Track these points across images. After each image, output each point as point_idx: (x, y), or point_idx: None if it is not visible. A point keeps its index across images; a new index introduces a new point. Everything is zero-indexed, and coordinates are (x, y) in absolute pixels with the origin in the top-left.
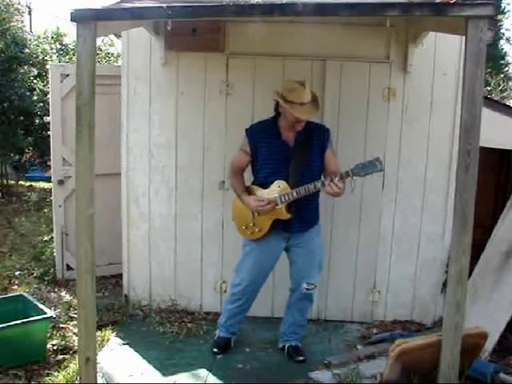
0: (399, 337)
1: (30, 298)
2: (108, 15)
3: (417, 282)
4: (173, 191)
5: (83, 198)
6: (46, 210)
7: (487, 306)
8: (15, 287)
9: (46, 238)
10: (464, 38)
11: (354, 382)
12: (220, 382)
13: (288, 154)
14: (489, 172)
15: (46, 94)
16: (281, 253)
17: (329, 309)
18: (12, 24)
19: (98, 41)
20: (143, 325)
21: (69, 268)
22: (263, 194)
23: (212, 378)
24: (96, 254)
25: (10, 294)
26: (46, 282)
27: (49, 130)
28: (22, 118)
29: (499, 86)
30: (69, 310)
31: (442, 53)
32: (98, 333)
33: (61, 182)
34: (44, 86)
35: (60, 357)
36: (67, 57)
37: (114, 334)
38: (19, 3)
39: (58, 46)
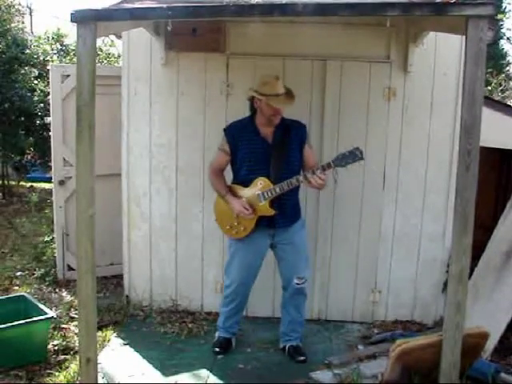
0: (400, 337)
1: (31, 298)
2: (108, 16)
3: (417, 282)
4: (173, 191)
5: (84, 199)
6: (46, 211)
7: (488, 305)
8: (16, 288)
9: (46, 239)
10: (464, 37)
11: (354, 382)
12: (221, 382)
13: (267, 151)
14: (489, 172)
15: (46, 94)
16: (267, 250)
17: (330, 309)
18: (13, 25)
19: (99, 41)
20: (144, 325)
21: (70, 268)
22: (246, 192)
23: (213, 378)
24: (97, 255)
25: (11, 295)
26: (46, 283)
27: (49, 131)
28: (22, 118)
29: (500, 85)
30: (70, 310)
31: (442, 53)
32: (99, 333)
33: (61, 183)
34: (45, 86)
35: (61, 357)
36: (68, 57)
37: (115, 334)
38: (20, 4)
39: (59, 47)
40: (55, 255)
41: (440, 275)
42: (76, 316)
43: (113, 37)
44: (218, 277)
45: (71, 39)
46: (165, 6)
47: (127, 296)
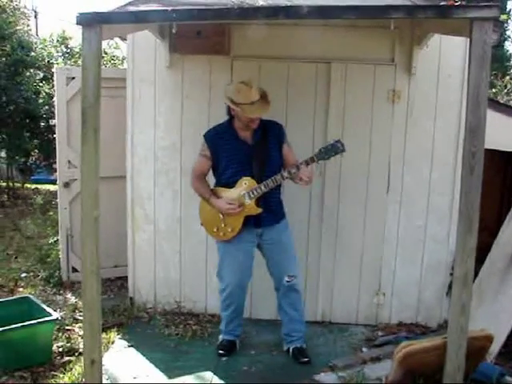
0: (404, 339)
1: (36, 300)
2: (113, 19)
3: (422, 284)
4: (178, 193)
5: (88, 201)
6: (51, 213)
7: (493, 308)
8: (21, 289)
9: (51, 241)
10: (469, 39)
11: None
12: None
13: (248, 152)
14: (494, 174)
15: (51, 96)
16: (255, 248)
17: (334, 311)
18: (18, 27)
19: (103, 43)
20: (148, 327)
21: (74, 270)
22: (231, 193)
23: (217, 380)
24: (101, 256)
25: (15, 296)
26: (51, 284)
27: (54, 133)
28: (27, 120)
29: (505, 88)
30: (74, 312)
31: (446, 55)
32: (103, 335)
33: (66, 185)
34: (50, 88)
35: (65, 359)
36: (73, 60)
37: (119, 336)
38: (25, 7)
39: (64, 49)
40: (60, 257)
41: (444, 278)
42: (80, 318)
43: (117, 39)
44: None
45: (76, 42)
46: (170, 8)
47: (131, 298)
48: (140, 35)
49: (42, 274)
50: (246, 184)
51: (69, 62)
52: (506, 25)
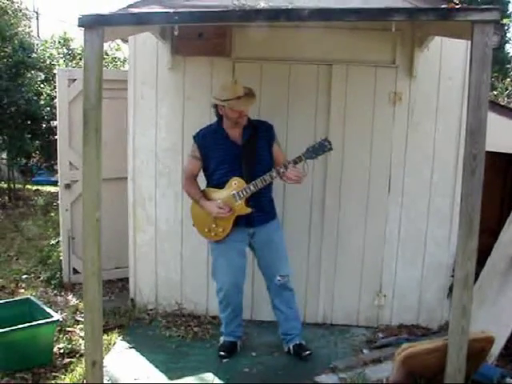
0: (405, 341)
1: (37, 301)
2: (115, 20)
3: (423, 286)
4: (179, 195)
5: (90, 202)
6: (52, 214)
7: (493, 310)
8: (22, 291)
9: (52, 242)
10: (470, 42)
11: None
12: None
13: (238, 153)
14: (495, 176)
15: (53, 98)
16: (247, 247)
17: (335, 313)
18: (19, 29)
19: (105, 45)
20: (149, 328)
21: (75, 272)
22: (221, 194)
23: (218, 382)
24: (102, 258)
25: (16, 298)
26: (52, 286)
27: (55, 134)
28: (29, 122)
29: (506, 90)
30: (75, 313)
31: (447, 57)
32: (105, 336)
33: (68, 186)
34: (51, 90)
35: (66, 360)
36: (74, 61)
37: (121, 337)
38: (27, 8)
39: (65, 51)
40: (61, 258)
41: (445, 279)
42: (81, 319)
43: (119, 41)
44: None
45: (77, 43)
46: (171, 10)
47: (132, 299)
48: (142, 37)
49: (43, 276)
50: (235, 184)
51: (70, 63)
52: (506, 27)
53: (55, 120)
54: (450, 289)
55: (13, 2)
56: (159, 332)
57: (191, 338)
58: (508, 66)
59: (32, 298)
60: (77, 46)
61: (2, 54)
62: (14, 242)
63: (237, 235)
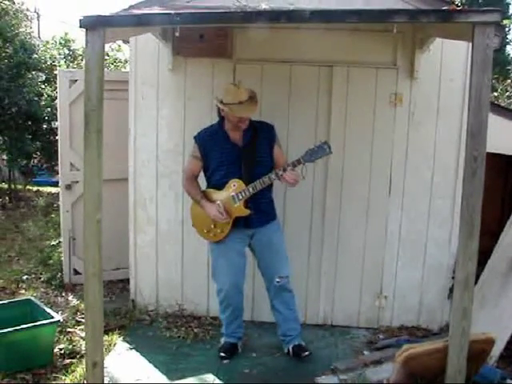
0: (406, 342)
1: (38, 302)
2: (117, 22)
3: (423, 287)
4: (180, 196)
5: (91, 203)
6: (53, 215)
7: (494, 311)
8: (23, 291)
9: (53, 243)
10: (471, 44)
11: None
12: None
13: (238, 154)
14: (495, 178)
15: (53, 99)
16: (246, 248)
17: (335, 314)
18: (20, 30)
19: (106, 46)
20: (150, 329)
21: (76, 272)
22: (220, 195)
23: (218, 383)
24: (103, 259)
25: (17, 299)
26: (53, 287)
27: (56, 135)
28: (29, 123)
29: (506, 91)
30: (76, 314)
31: (448, 59)
32: (105, 337)
33: (68, 187)
34: (52, 91)
35: (67, 361)
36: (75, 62)
37: (121, 338)
38: (28, 9)
39: (66, 52)
40: (62, 259)
41: (446, 281)
42: (82, 320)
43: (120, 42)
44: None
45: (78, 44)
46: (173, 12)
47: (133, 300)
48: (143, 38)
49: (43, 276)
50: (234, 186)
51: (71, 64)
52: (507, 29)
53: (56, 121)
54: (451, 290)
55: (14, 3)
56: (160, 333)
57: (192, 339)
58: (508, 67)
59: (33, 298)
60: (78, 47)
61: (3, 54)
62: (15, 243)
63: (236, 236)
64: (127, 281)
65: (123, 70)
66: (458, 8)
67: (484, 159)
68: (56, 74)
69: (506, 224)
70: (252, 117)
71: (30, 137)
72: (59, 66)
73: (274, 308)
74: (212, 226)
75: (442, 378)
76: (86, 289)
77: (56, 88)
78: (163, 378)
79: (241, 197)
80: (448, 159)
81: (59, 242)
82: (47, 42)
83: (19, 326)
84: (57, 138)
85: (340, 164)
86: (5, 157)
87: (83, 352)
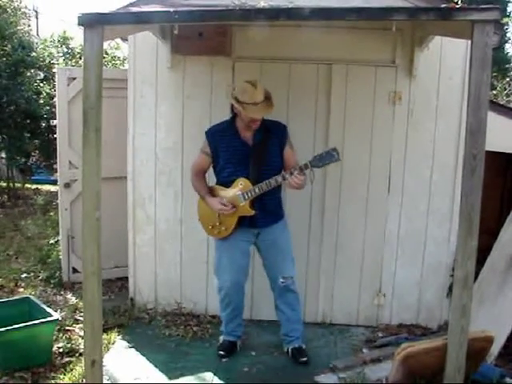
0: (405, 340)
1: (36, 300)
2: (115, 19)
3: (422, 285)
4: (179, 195)
5: (90, 202)
6: (52, 213)
7: (493, 309)
8: (21, 290)
9: (52, 241)
10: (470, 42)
11: None
12: None
13: (247, 153)
14: (494, 176)
15: (52, 97)
16: (251, 247)
17: (334, 312)
18: (19, 28)
19: (104, 44)
20: (149, 328)
21: (75, 271)
22: (227, 193)
23: (217, 382)
24: (102, 257)
25: (16, 297)
26: (51, 285)
27: (55, 133)
28: (28, 121)
29: (505, 89)
30: (75, 312)
31: (447, 57)
32: (104, 336)
33: (67, 185)
34: (50, 89)
35: (66, 359)
36: (74, 60)
37: (120, 336)
38: (26, 7)
39: (65, 50)
40: (60, 257)
41: (445, 279)
42: (81, 318)
43: (118, 40)
44: None
45: (77, 42)
46: (172, 9)
47: (132, 299)
48: (141, 36)
49: (42, 275)
50: (241, 185)
51: (70, 62)
52: (506, 27)
53: (55, 119)
54: (450, 288)
55: (12, 1)
56: (159, 331)
57: (191, 338)
58: (507, 65)
59: (31, 297)
60: (76, 45)
61: (2, 52)
62: (14, 241)
63: (241, 234)
64: (126, 279)
65: (122, 68)
66: (458, 6)
67: (483, 157)
68: (54, 72)
69: (505, 222)
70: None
71: (29, 135)
72: (58, 64)
73: (278, 308)
74: (217, 223)
75: (441, 377)
76: (84, 287)
77: (54, 86)
78: (162, 377)
79: (246, 196)
80: (447, 157)
81: (58, 240)
82: (46, 40)
83: (18, 324)
84: (55, 136)
85: (339, 162)
86: (3, 155)
87: (82, 350)
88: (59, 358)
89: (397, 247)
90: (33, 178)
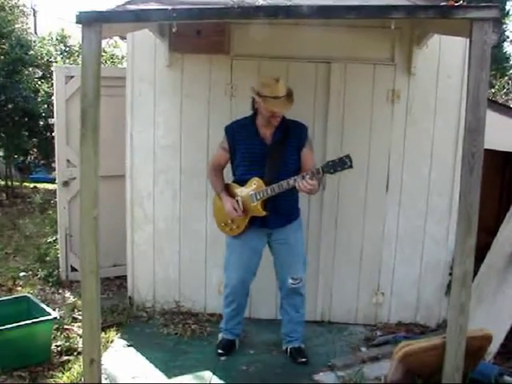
0: (403, 339)
1: (35, 299)
2: (113, 17)
3: (421, 284)
4: (177, 193)
5: (87, 200)
6: (50, 212)
7: (491, 308)
8: (19, 288)
9: (50, 240)
10: (468, 40)
11: None
12: (224, 383)
13: (264, 152)
14: (493, 174)
15: (50, 95)
16: (263, 248)
17: (333, 311)
18: (17, 26)
19: (103, 42)
20: (147, 326)
21: (73, 269)
22: (242, 191)
23: (216, 380)
24: (100, 256)
25: (14, 295)
26: (50, 284)
27: (53, 132)
28: (26, 119)
29: (504, 88)
30: (73, 311)
31: (446, 55)
32: (102, 334)
33: (65, 184)
34: (48, 87)
35: (64, 358)
36: (72, 58)
37: (118, 335)
38: (24, 5)
39: (63, 48)
40: (58, 256)
41: (443, 277)
42: (79, 317)
43: (117, 38)
44: (222, 278)
45: (75, 40)
46: (170, 7)
47: (130, 297)
48: (139, 34)
49: (40, 273)
50: (255, 184)
51: (68, 60)
52: (505, 25)
53: (53, 117)
54: (448, 286)
55: None
56: (157, 330)
57: (189, 336)
58: (506, 64)
59: (29, 295)
60: (74, 43)
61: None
62: (12, 240)
63: (254, 234)
64: (124, 278)
65: (120, 66)
66: (456, 4)
67: (482, 155)
68: (52, 71)
69: (504, 220)
70: (286, 115)
71: (27, 133)
72: (56, 62)
73: (283, 307)
74: (229, 221)
75: (440, 375)
76: (82, 286)
77: (52, 84)
78: (160, 375)
79: (258, 197)
80: (445, 156)
81: (56, 238)
82: (44, 38)
83: (16, 323)
84: (53, 134)
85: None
86: (1, 153)
87: (80, 349)
88: (57, 357)
89: (395, 246)
90: (31, 176)
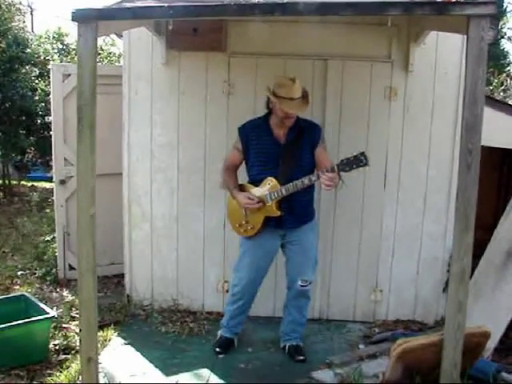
0: (401, 336)
1: (32, 297)
2: (110, 15)
3: (419, 281)
4: (175, 191)
5: (85, 198)
6: (47, 210)
7: (489, 305)
8: (17, 287)
9: (47, 238)
10: (465, 37)
11: (356, 381)
12: (222, 381)
13: (278, 152)
14: (490, 171)
15: (47, 93)
16: (277, 250)
17: (331, 308)
18: (14, 24)
19: (100, 40)
20: (145, 325)
21: (71, 268)
22: (256, 191)
23: (214, 378)
24: (98, 254)
25: (12, 294)
26: (47, 282)
27: (50, 130)
28: (23, 117)
29: (501, 85)
30: (71, 309)
31: (443, 52)
32: (100, 333)
33: (62, 182)
34: (46, 85)
35: (62, 357)
36: (69, 57)
37: (116, 333)
38: (21, 3)
39: (60, 46)
40: (56, 254)
41: (441, 274)
42: (77, 315)
43: (114, 36)
44: (219, 276)
45: (72, 38)
46: (166, 5)
47: (128, 295)
48: (136, 32)
49: (38, 272)
50: (269, 184)
51: (65, 58)
52: (502, 22)
53: (50, 116)
54: (446, 284)
55: None
56: (155, 328)
57: (187, 334)
58: (503, 61)
59: (27, 294)
60: (71, 41)
61: None
62: (9, 239)
63: (267, 235)
64: (122, 276)
65: (117, 64)
66: (453, 0)
67: (479, 152)
68: (49, 69)
69: (501, 217)
70: (301, 115)
71: (24, 132)
72: (53, 60)
73: (287, 307)
74: (243, 222)
75: (438, 372)
76: (80, 284)
77: (49, 82)
78: (158, 374)
79: (273, 197)
80: (443, 153)
81: (54, 237)
82: (40, 36)
83: (14, 321)
84: (51, 132)
85: (334, 158)
86: None
87: (78, 348)
88: (55, 356)
89: (393, 243)
90: (29, 175)
